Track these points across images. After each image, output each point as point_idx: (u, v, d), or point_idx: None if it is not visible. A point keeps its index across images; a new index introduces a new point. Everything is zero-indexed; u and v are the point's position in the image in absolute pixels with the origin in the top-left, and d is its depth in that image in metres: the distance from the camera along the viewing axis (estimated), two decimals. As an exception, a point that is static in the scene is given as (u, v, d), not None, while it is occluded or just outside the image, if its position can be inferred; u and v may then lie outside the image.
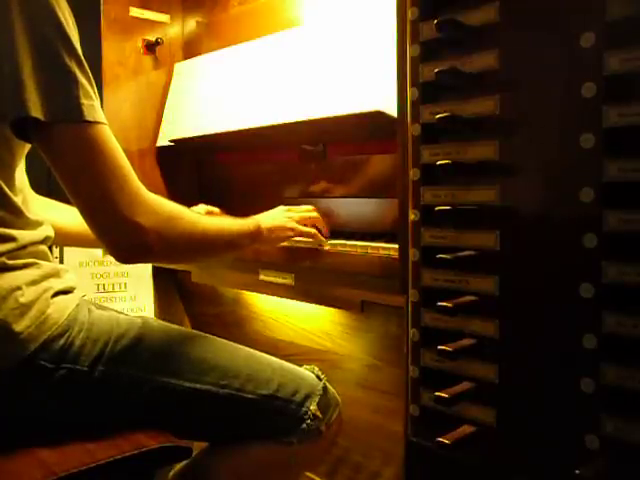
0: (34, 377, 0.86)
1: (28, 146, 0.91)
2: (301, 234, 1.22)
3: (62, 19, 0.82)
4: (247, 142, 1.71)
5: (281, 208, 1.24)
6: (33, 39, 0.80)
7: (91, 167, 0.83)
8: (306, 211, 1.27)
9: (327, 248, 1.20)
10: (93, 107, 0.83)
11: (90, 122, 0.82)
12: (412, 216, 0.82)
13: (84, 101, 0.82)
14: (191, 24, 1.91)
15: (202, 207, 1.39)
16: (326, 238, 1.25)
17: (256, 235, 1.11)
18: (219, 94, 1.62)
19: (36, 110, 0.80)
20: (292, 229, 1.20)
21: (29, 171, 1.02)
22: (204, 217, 1.04)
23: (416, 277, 0.82)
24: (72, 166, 0.84)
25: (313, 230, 1.23)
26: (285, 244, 1.24)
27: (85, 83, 0.84)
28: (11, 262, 0.87)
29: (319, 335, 1.50)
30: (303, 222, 1.24)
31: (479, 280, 0.75)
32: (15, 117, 0.81)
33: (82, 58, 0.84)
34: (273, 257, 1.26)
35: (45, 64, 0.81)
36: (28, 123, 0.82)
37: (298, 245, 1.24)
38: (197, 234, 0.97)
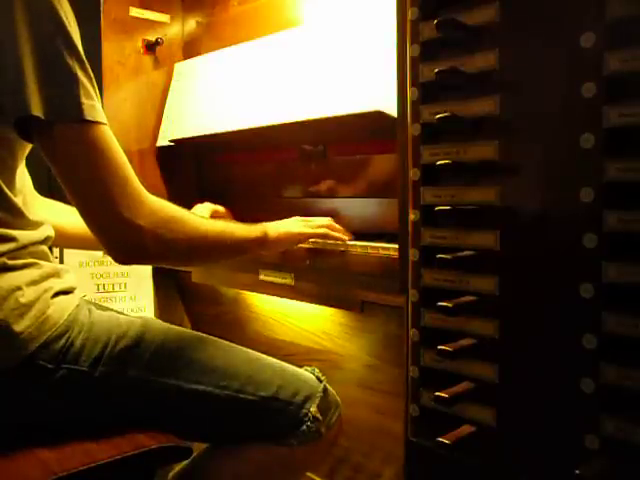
0: (34, 377, 0.86)
1: (29, 147, 0.91)
2: (311, 237, 1.20)
3: (64, 18, 0.82)
4: (247, 142, 1.71)
5: (296, 218, 1.22)
6: (35, 39, 0.80)
7: (91, 167, 0.83)
8: (320, 221, 1.24)
9: (327, 248, 1.20)
10: (94, 107, 0.83)
11: (90, 122, 0.82)
12: (412, 216, 0.82)
13: (84, 100, 0.82)
14: (191, 24, 1.91)
15: (207, 205, 1.38)
16: (347, 241, 1.20)
17: (262, 242, 1.10)
18: (219, 94, 1.62)
19: (37, 109, 0.79)
20: (300, 234, 1.18)
21: (30, 171, 1.02)
22: (207, 220, 1.03)
23: (416, 277, 0.82)
24: (72, 166, 0.83)
25: (324, 230, 1.20)
26: (309, 245, 1.20)
27: (86, 83, 0.83)
28: (11, 262, 0.87)
29: (319, 335, 1.50)
30: (313, 229, 1.20)
31: (479, 280, 0.75)
32: (17, 116, 0.80)
33: (84, 58, 0.84)
34: (273, 257, 1.26)
35: (47, 64, 0.81)
36: (30, 123, 0.82)
37: (319, 247, 1.21)
38: (198, 237, 0.96)
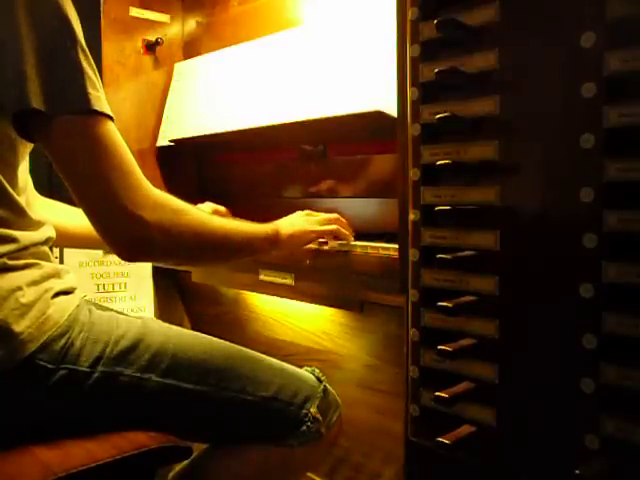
0: (34, 377, 0.86)
1: (31, 145, 0.91)
2: (323, 234, 1.18)
3: (67, 13, 0.81)
4: (247, 142, 1.71)
5: (300, 213, 1.20)
6: (38, 34, 0.79)
7: (95, 162, 0.81)
8: (325, 215, 1.22)
9: (327, 248, 1.20)
10: (100, 98, 0.82)
11: (97, 113, 0.81)
12: (412, 216, 0.82)
13: (91, 91, 0.81)
14: (191, 24, 1.91)
15: (208, 205, 1.37)
16: (352, 240, 1.19)
17: (274, 240, 1.08)
18: (219, 94, 1.62)
19: (38, 102, 0.78)
20: (314, 232, 1.16)
21: (30, 172, 1.02)
22: (215, 217, 1.00)
23: (416, 277, 0.82)
24: (75, 161, 0.82)
25: (335, 226, 1.18)
26: (312, 246, 1.19)
27: (91, 74, 0.83)
28: (12, 262, 0.86)
29: (319, 335, 1.50)
30: (324, 224, 1.19)
31: (479, 280, 0.75)
32: (15, 111, 0.79)
33: (87, 51, 0.83)
34: (273, 257, 1.26)
35: (50, 57, 0.80)
36: (30, 118, 0.81)
37: (324, 248, 1.20)
38: (205, 232, 0.94)
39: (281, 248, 1.11)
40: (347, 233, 1.19)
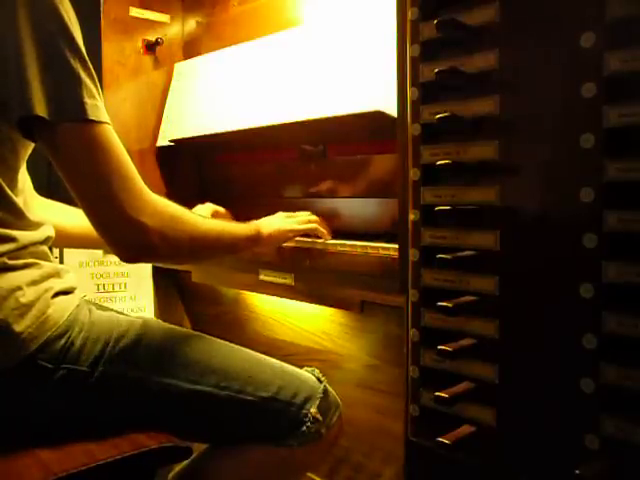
0: (34, 377, 0.86)
1: (31, 147, 0.92)
2: (301, 233, 1.24)
3: (66, 19, 0.83)
4: (247, 142, 1.71)
5: (280, 214, 1.26)
6: (38, 39, 0.81)
7: (95, 167, 0.83)
8: (305, 216, 1.29)
9: (327, 248, 1.20)
10: (97, 107, 0.84)
11: (93, 121, 0.83)
12: (412, 216, 0.82)
13: (87, 100, 0.83)
14: (191, 24, 1.91)
15: (209, 206, 1.40)
16: (329, 239, 1.26)
17: (256, 239, 1.13)
18: (219, 94, 1.62)
19: (41, 109, 0.80)
20: (291, 231, 1.22)
21: (30, 171, 1.02)
22: (205, 219, 1.05)
23: (416, 277, 0.82)
24: (76, 165, 0.84)
25: (314, 225, 1.25)
26: (289, 244, 1.25)
27: (89, 83, 0.84)
28: (12, 262, 0.87)
29: (319, 335, 1.50)
30: (302, 223, 1.25)
31: (479, 280, 0.75)
32: (20, 116, 0.81)
33: (86, 58, 0.85)
34: (273, 257, 1.27)
35: (50, 64, 0.81)
36: (33, 122, 0.82)
37: (299, 245, 1.25)
38: (199, 235, 0.98)
39: (262, 246, 1.17)
40: (324, 231, 1.25)
